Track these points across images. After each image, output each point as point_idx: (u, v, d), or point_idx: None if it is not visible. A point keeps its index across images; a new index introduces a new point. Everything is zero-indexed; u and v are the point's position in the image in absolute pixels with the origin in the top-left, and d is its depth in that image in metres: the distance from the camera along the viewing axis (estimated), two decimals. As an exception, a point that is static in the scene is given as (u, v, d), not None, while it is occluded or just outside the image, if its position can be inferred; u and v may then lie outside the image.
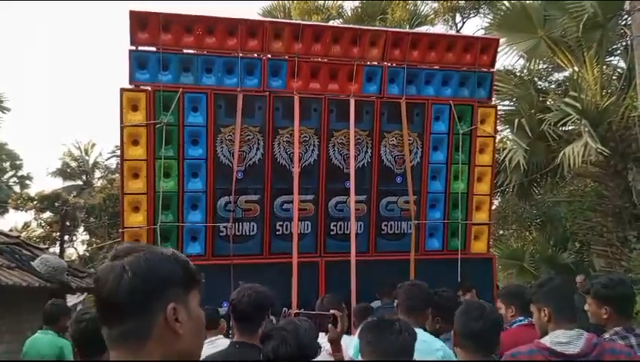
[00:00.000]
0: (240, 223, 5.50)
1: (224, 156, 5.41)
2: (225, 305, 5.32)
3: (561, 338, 2.38)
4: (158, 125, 5.19)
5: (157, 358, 1.14)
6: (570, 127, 9.53)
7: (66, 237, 21.68)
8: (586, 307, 2.88)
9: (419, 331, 2.92)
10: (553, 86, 11.47)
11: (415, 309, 3.18)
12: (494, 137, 6.29)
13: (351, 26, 7.24)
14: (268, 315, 2.66)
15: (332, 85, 5.65)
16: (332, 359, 2.82)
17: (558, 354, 2.33)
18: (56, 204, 20.91)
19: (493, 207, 11.27)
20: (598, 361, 2.31)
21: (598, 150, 8.27)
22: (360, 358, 2.72)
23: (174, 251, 1.27)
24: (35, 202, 21.87)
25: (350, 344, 3.46)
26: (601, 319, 2.76)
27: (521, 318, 3.26)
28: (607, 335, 2.68)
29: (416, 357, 2.36)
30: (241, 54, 5.40)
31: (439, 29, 15.23)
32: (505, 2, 10.66)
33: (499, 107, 9.05)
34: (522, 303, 3.19)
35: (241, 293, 2.85)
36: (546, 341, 2.40)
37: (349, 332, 3.74)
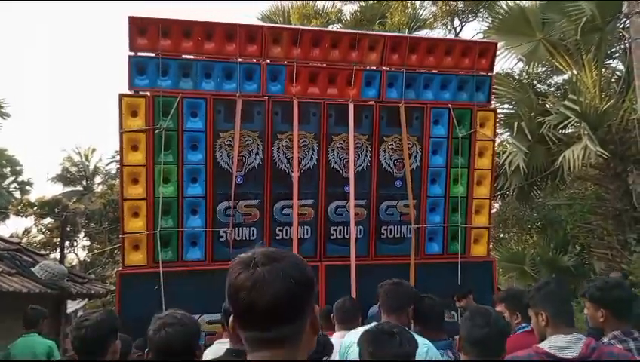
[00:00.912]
0: (240, 228, 5.51)
1: (223, 161, 5.42)
2: (225, 310, 5.34)
3: (560, 343, 2.37)
4: (158, 130, 5.20)
5: (305, 357, 1.24)
6: (569, 130, 9.55)
7: (67, 243, 21.66)
8: (585, 311, 2.87)
9: None
10: (552, 89, 11.48)
11: (397, 309, 3.23)
12: (494, 141, 6.29)
13: (349, 30, 7.26)
14: None
15: (331, 90, 5.66)
16: None
17: (556, 359, 2.33)
18: (57, 210, 20.92)
19: (494, 211, 11.30)
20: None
21: (598, 153, 8.27)
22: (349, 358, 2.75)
23: (297, 254, 1.32)
24: (35, 208, 21.90)
25: (336, 343, 3.45)
26: (598, 322, 2.75)
27: (524, 324, 3.25)
28: (605, 339, 2.67)
29: None
30: (240, 59, 5.41)
31: (438, 32, 15.28)
32: (503, 5, 10.68)
33: (498, 110, 9.08)
34: (527, 309, 3.18)
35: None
36: (545, 346, 2.40)
37: None
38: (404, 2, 14.76)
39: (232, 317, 1.25)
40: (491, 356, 2.37)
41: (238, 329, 1.23)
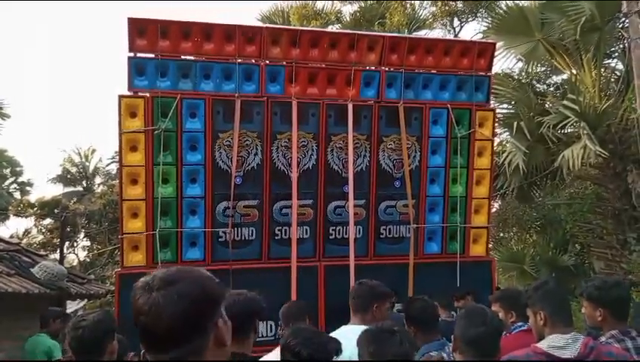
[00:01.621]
0: (239, 228, 5.51)
1: (222, 161, 5.42)
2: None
3: (558, 343, 2.38)
4: (157, 131, 5.20)
5: None
6: (569, 130, 9.56)
7: (67, 244, 21.69)
8: (583, 310, 2.88)
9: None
10: (551, 89, 11.51)
11: (360, 309, 3.42)
12: (492, 140, 6.29)
13: (348, 31, 7.26)
14: (256, 321, 2.62)
15: (330, 90, 5.67)
16: None
17: (554, 359, 2.33)
18: (57, 211, 20.95)
19: (494, 210, 11.31)
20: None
21: (597, 152, 8.29)
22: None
23: (203, 270, 1.36)
24: (35, 208, 21.92)
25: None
26: (596, 321, 2.76)
27: (520, 324, 3.26)
28: (603, 339, 2.68)
29: None
30: (239, 60, 5.41)
31: (437, 33, 15.30)
32: (502, 5, 10.69)
33: (497, 110, 9.10)
34: (523, 309, 3.19)
35: (229, 300, 2.81)
36: (543, 345, 2.41)
37: None
38: (403, 3, 14.78)
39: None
40: (487, 355, 2.38)
41: (146, 351, 1.27)
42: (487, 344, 2.39)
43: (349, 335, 2.90)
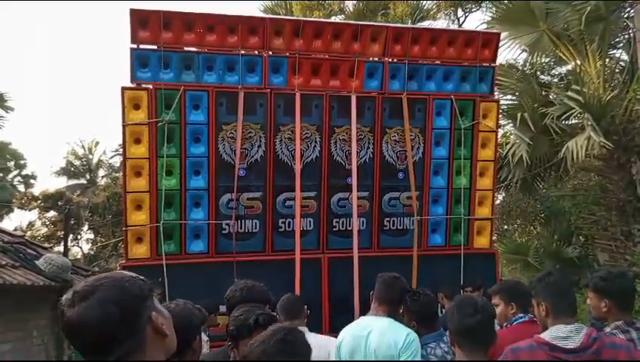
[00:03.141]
0: (242, 220, 5.51)
1: (226, 154, 5.42)
2: (227, 302, 5.35)
3: (561, 333, 2.38)
4: (160, 123, 5.20)
5: (163, 358, 1.36)
6: (573, 121, 9.51)
7: (71, 236, 21.75)
8: (588, 301, 2.88)
9: (389, 319, 3.38)
10: (556, 80, 11.43)
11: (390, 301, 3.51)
12: (496, 132, 6.27)
13: (351, 22, 7.22)
14: (196, 332, 2.59)
15: (333, 81, 5.65)
16: None
17: (557, 349, 2.33)
18: (60, 203, 21.00)
19: (497, 202, 11.30)
20: (597, 357, 2.31)
21: (602, 143, 8.24)
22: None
23: (125, 272, 1.43)
24: (39, 201, 21.98)
25: (332, 345, 3.50)
26: (601, 312, 2.76)
27: (521, 315, 3.26)
28: (608, 330, 2.68)
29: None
30: (242, 52, 5.40)
31: (441, 23, 15.22)
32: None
33: (501, 101, 9.05)
34: (522, 300, 3.19)
35: (234, 289, 2.84)
36: (546, 336, 2.41)
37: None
38: (407, -7, 14.69)
39: None
40: (484, 343, 2.38)
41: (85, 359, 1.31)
42: (483, 332, 2.40)
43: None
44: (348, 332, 3.57)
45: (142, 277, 1.41)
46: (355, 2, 15.53)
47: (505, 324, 3.31)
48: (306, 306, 3.81)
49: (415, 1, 14.83)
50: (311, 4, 14.87)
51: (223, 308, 5.26)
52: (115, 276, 1.37)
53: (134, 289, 1.34)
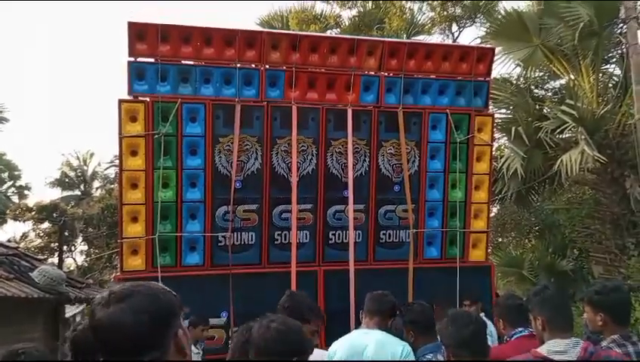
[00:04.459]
0: (238, 233, 5.51)
1: (222, 166, 5.43)
2: (224, 315, 5.33)
3: (557, 347, 2.39)
4: (157, 136, 5.21)
5: None
6: (567, 135, 9.57)
7: (65, 248, 21.63)
8: (584, 315, 2.89)
9: (380, 332, 3.44)
10: (550, 94, 11.53)
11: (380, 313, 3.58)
12: (491, 145, 6.31)
13: (348, 36, 7.28)
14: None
15: (330, 95, 5.68)
16: None
17: None
18: (55, 215, 20.90)
19: (492, 215, 11.31)
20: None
21: (595, 157, 8.31)
22: None
23: (158, 284, 1.42)
24: (33, 212, 21.86)
25: (323, 357, 3.49)
26: (597, 326, 2.77)
27: (520, 329, 3.26)
28: (604, 344, 2.69)
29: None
30: (239, 65, 5.43)
31: (436, 38, 15.34)
32: (501, 11, 10.73)
33: (496, 115, 9.09)
34: (515, 316, 3.23)
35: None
36: (542, 350, 2.42)
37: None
38: (402, 8, 14.81)
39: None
40: (481, 354, 2.40)
41: None
42: (480, 342, 2.42)
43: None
44: (342, 345, 3.55)
45: (174, 292, 1.40)
46: (350, 16, 15.66)
47: (505, 338, 3.32)
48: None
49: (410, 16, 14.96)
50: (307, 17, 14.97)
51: (213, 321, 5.28)
52: (151, 285, 1.37)
53: (167, 302, 1.34)
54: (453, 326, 2.47)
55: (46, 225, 22.19)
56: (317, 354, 3.64)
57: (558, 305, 2.55)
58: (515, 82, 11.08)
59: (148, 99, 5.25)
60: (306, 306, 3.26)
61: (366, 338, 3.48)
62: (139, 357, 1.26)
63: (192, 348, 5.15)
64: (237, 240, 5.49)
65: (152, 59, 5.26)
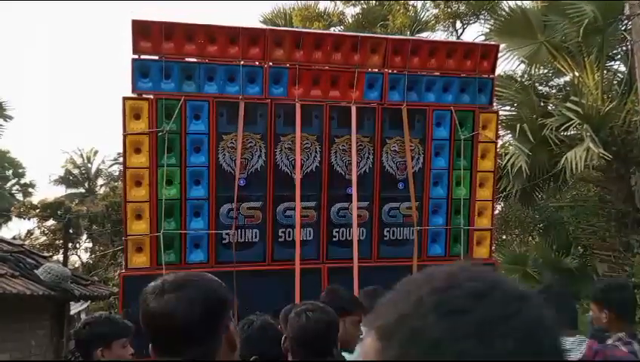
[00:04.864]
0: (242, 230, 5.51)
1: (226, 163, 5.43)
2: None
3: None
4: (161, 133, 5.22)
5: None
6: (571, 132, 9.55)
7: (69, 245, 21.70)
8: (590, 313, 2.88)
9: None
10: (554, 91, 11.49)
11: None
12: (496, 143, 6.30)
13: (351, 33, 7.27)
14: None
15: (333, 92, 5.68)
16: None
17: None
18: (59, 212, 20.96)
19: (496, 212, 11.29)
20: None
21: (600, 155, 8.28)
22: None
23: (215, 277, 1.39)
24: (38, 210, 21.94)
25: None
26: (602, 323, 2.76)
27: None
28: (610, 341, 2.68)
29: None
30: (242, 62, 5.43)
31: (440, 35, 15.30)
32: (505, 7, 10.69)
33: (500, 112, 9.07)
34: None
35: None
36: None
37: None
38: (405, 5, 14.78)
39: (150, 344, 1.30)
40: None
41: (155, 355, 1.29)
42: None
43: None
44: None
45: (224, 284, 1.39)
46: (354, 14, 15.64)
47: None
48: None
49: (414, 13, 14.92)
50: (310, 15, 14.95)
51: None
52: (205, 276, 1.36)
53: (222, 294, 1.33)
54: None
55: (51, 222, 22.26)
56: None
57: (563, 303, 2.55)
58: (519, 79, 11.04)
59: (152, 97, 5.26)
60: (346, 299, 3.20)
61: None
62: (190, 348, 1.23)
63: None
64: (241, 238, 5.50)
65: (155, 57, 5.26)
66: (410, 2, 15.25)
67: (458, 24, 15.48)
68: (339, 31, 14.39)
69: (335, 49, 5.63)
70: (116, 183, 24.78)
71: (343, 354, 2.89)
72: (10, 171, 28.10)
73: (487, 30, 11.39)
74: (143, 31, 5.19)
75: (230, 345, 1.32)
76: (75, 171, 28.45)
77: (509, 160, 9.57)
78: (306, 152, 5.61)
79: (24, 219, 22.49)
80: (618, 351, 2.54)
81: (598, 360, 2.31)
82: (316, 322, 2.24)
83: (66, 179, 28.11)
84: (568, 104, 8.92)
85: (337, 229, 5.73)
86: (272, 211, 5.55)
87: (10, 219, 23.98)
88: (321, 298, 3.20)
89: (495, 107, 6.95)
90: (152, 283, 1.32)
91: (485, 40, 10.55)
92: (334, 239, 5.72)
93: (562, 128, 9.12)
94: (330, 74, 5.65)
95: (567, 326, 2.47)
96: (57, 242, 21.65)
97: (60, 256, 20.02)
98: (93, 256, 23.29)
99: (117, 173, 26.11)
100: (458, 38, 15.16)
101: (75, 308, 11.97)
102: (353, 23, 15.23)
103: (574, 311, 2.60)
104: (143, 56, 5.25)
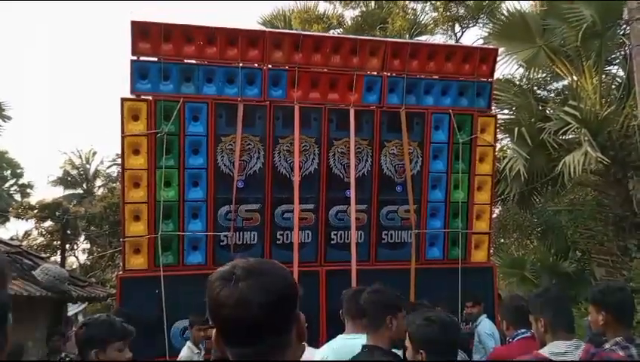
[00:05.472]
0: (241, 232, 5.51)
1: (225, 165, 5.43)
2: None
3: (559, 349, 2.39)
4: (159, 135, 5.21)
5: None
6: (570, 136, 9.55)
7: (67, 246, 21.67)
8: (589, 317, 2.88)
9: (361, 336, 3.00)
10: (552, 95, 11.50)
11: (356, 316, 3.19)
12: (494, 146, 6.30)
13: (350, 36, 7.28)
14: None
15: (332, 95, 5.68)
16: None
17: None
18: (57, 213, 20.91)
19: (494, 216, 11.30)
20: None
21: (598, 159, 8.28)
22: None
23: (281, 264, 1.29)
24: (35, 211, 21.90)
25: (314, 356, 3.39)
26: (599, 326, 2.75)
27: (523, 330, 3.25)
28: (607, 346, 2.67)
29: None
30: (241, 64, 5.43)
31: (439, 38, 15.32)
32: (504, 11, 10.70)
33: (499, 116, 9.09)
34: (519, 317, 3.22)
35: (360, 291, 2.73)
36: (545, 351, 2.42)
37: None
38: (405, 8, 14.81)
39: (215, 332, 1.22)
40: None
41: (224, 345, 1.20)
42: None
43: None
44: (333, 353, 3.20)
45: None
46: (353, 16, 15.65)
47: (508, 339, 3.32)
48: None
49: (413, 17, 14.94)
50: (310, 17, 14.96)
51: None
52: (275, 263, 1.26)
53: (294, 282, 1.24)
54: (426, 322, 2.39)
55: (48, 223, 22.22)
56: (309, 352, 3.51)
57: (560, 307, 2.56)
58: (517, 83, 11.05)
59: (150, 98, 5.26)
60: (395, 297, 3.07)
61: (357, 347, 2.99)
62: (263, 339, 1.16)
63: (194, 348, 5.15)
64: (239, 240, 5.50)
65: (154, 58, 5.26)
66: (410, 5, 15.28)
67: (457, 27, 15.50)
68: (338, 33, 14.40)
69: (334, 52, 5.64)
70: (114, 184, 24.74)
71: (394, 350, 2.83)
72: (9, 171, 28.09)
73: (486, 34, 11.40)
74: (141, 32, 5.19)
75: (300, 335, 1.24)
76: (74, 172, 28.41)
77: (507, 163, 9.57)
78: (304, 155, 5.61)
79: (22, 219, 22.46)
80: (614, 354, 2.53)
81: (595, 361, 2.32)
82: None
83: (64, 180, 28.07)
84: (566, 108, 8.92)
85: (336, 232, 5.73)
86: (271, 213, 5.55)
87: (7, 219, 23.96)
88: (363, 298, 3.01)
89: (493, 111, 6.97)
90: (221, 269, 1.23)
91: (484, 43, 10.56)
92: (333, 242, 5.72)
93: (560, 132, 9.13)
94: (329, 76, 5.66)
95: (565, 329, 2.47)
96: (55, 243, 21.60)
97: (57, 257, 19.98)
98: (90, 257, 23.25)
99: (115, 174, 26.06)
100: (457, 41, 15.18)
101: (72, 309, 11.95)
102: (352, 25, 15.23)
103: (571, 314, 2.60)
104: (141, 58, 5.25)
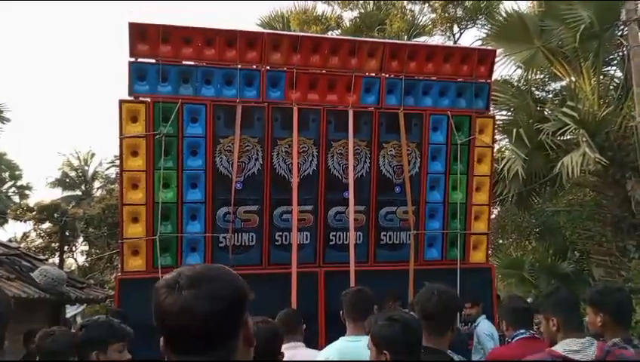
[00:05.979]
0: (239, 234, 5.51)
1: (223, 167, 5.43)
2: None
3: (573, 346, 2.43)
4: (158, 136, 5.21)
5: None
6: (568, 137, 9.56)
7: (66, 248, 21.63)
8: (586, 317, 2.89)
9: (363, 337, 2.90)
10: (551, 96, 11.51)
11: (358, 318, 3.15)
12: (492, 147, 6.31)
13: (349, 37, 7.29)
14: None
15: (330, 96, 5.69)
16: None
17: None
18: (56, 215, 20.87)
19: (493, 217, 11.30)
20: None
21: (597, 159, 8.29)
22: None
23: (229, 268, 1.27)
24: (34, 212, 21.83)
25: (316, 357, 3.39)
26: (597, 327, 2.76)
27: (522, 331, 3.25)
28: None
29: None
30: (240, 66, 5.43)
31: (437, 39, 15.33)
32: (502, 12, 10.72)
33: (497, 117, 9.09)
34: (519, 318, 3.23)
35: (429, 293, 2.69)
36: (559, 349, 2.45)
37: None
38: (403, 9, 14.82)
39: (162, 340, 1.19)
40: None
41: (170, 353, 1.18)
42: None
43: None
44: (337, 353, 3.20)
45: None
46: (351, 18, 15.66)
47: (507, 340, 3.33)
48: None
49: (411, 18, 14.96)
50: (308, 18, 14.96)
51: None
52: (221, 268, 1.22)
53: (241, 286, 1.20)
54: (389, 323, 2.35)
55: (47, 225, 22.15)
56: (309, 354, 3.52)
57: (572, 306, 2.60)
58: (516, 84, 11.05)
59: (149, 100, 5.26)
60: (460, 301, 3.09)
61: (362, 350, 2.85)
62: (210, 348, 1.14)
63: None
64: (238, 241, 5.50)
65: (153, 60, 5.27)
66: (408, 6, 15.30)
67: (455, 29, 15.51)
68: (336, 35, 14.41)
69: (332, 53, 5.64)
70: (113, 186, 24.71)
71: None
72: (7, 173, 28.05)
73: (484, 35, 11.41)
74: (140, 34, 5.19)
75: (248, 340, 1.22)
76: (72, 173, 28.36)
77: (505, 164, 9.57)
78: (303, 156, 5.62)
79: (20, 221, 22.39)
80: (627, 351, 2.53)
81: (610, 360, 2.35)
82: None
83: (63, 182, 28.02)
84: (565, 109, 8.93)
85: (334, 233, 5.74)
86: (269, 214, 5.55)
87: (6, 221, 23.89)
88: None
89: (492, 112, 6.97)
90: (166, 277, 1.19)
91: (482, 45, 10.57)
92: (331, 243, 5.73)
93: (558, 133, 9.13)
94: (328, 78, 5.67)
95: (577, 328, 2.52)
96: (53, 245, 21.54)
97: (55, 259, 19.94)
98: (89, 258, 23.19)
99: (114, 176, 26.02)
100: (455, 42, 15.19)
101: (71, 311, 11.94)
102: (351, 26, 15.24)
103: (580, 314, 2.65)
104: (140, 59, 5.25)
